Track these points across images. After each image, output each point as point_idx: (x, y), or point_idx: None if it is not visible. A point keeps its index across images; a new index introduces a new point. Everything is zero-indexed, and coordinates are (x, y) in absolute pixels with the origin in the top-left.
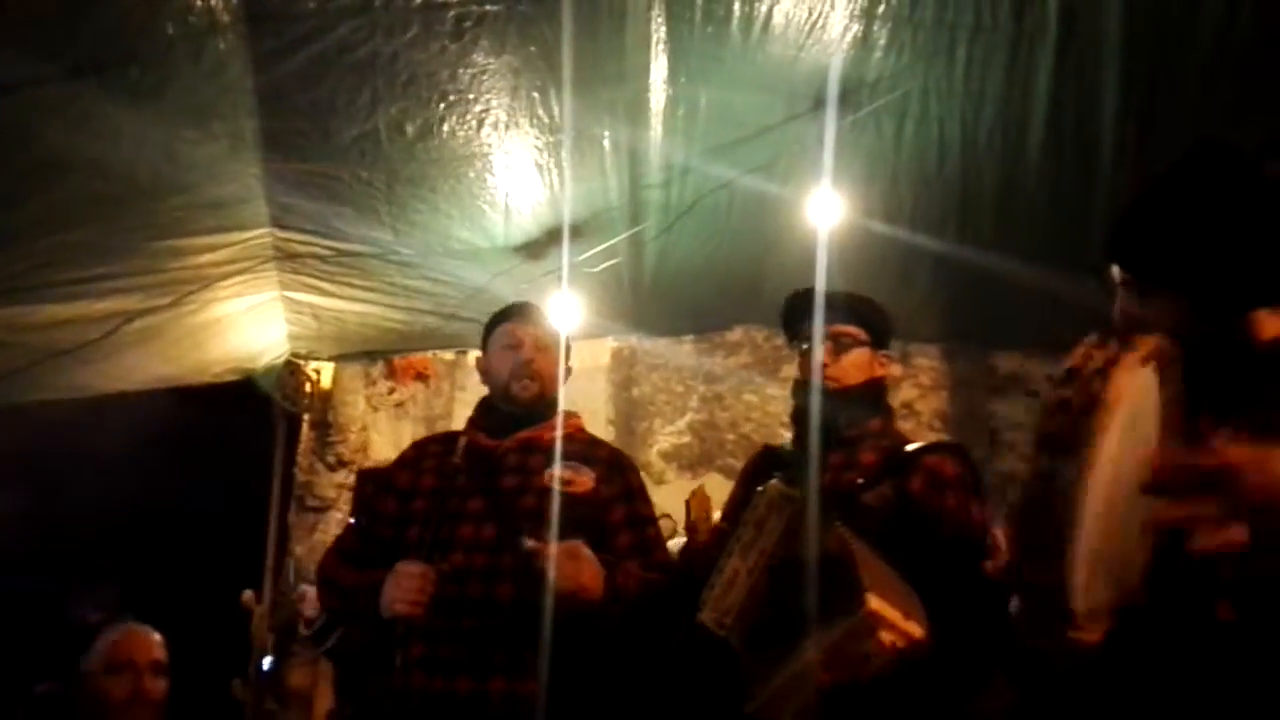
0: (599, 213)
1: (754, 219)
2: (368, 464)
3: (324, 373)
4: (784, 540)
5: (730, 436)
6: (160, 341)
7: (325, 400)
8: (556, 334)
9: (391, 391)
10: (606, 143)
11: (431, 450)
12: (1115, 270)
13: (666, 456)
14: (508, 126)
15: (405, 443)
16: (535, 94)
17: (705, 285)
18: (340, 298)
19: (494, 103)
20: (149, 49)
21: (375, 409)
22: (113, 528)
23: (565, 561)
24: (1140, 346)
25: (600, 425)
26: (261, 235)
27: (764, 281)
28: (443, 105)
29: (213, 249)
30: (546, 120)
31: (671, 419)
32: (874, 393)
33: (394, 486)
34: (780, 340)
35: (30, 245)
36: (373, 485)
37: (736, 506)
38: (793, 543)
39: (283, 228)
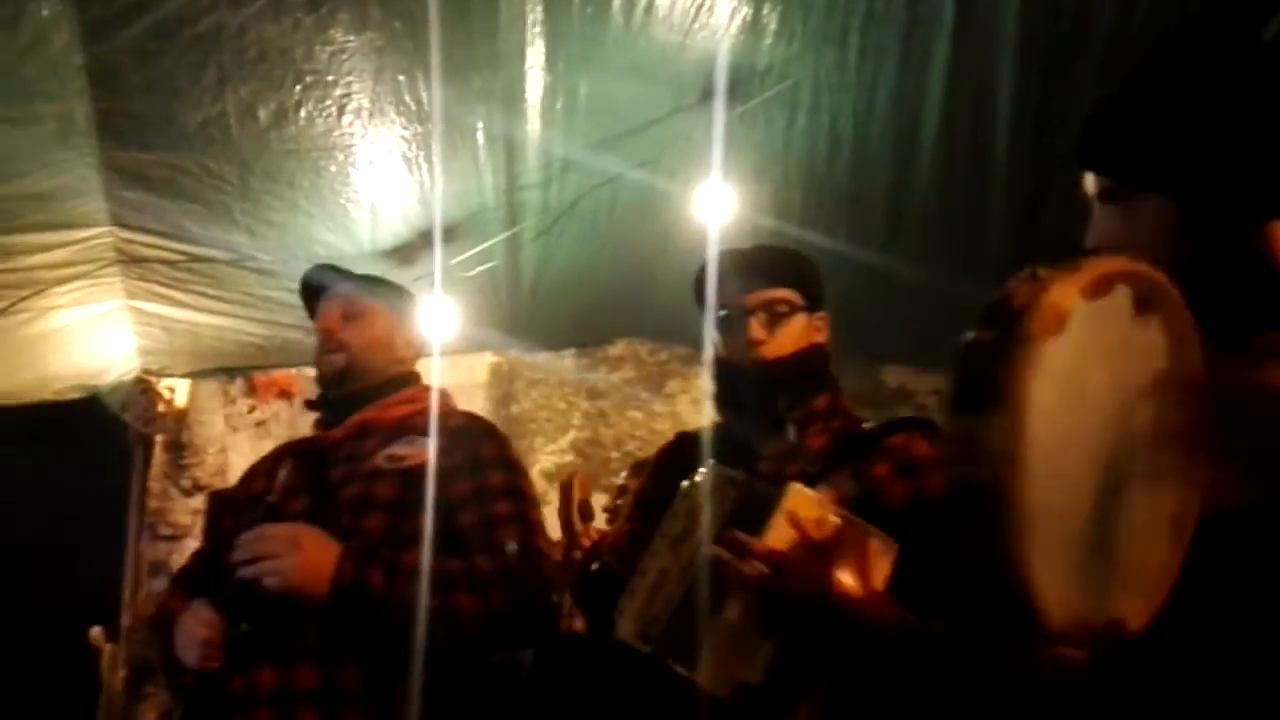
0: (473, 214)
1: (637, 220)
2: (225, 488)
3: (178, 390)
4: (727, 532)
5: (615, 454)
6: None
7: (180, 420)
8: (377, 298)
9: (252, 410)
10: (480, 135)
11: (288, 453)
12: (1089, 182)
13: (549, 476)
14: (371, 114)
15: None
16: (401, 77)
17: (587, 293)
18: (193, 309)
19: (356, 86)
20: None
21: (235, 429)
22: None
23: (271, 548)
24: (1091, 267)
25: None
26: (101, 235)
27: (648, 290)
28: (299, 87)
29: (46, 248)
30: (414, 108)
31: (553, 437)
32: (814, 364)
33: (239, 500)
34: (665, 355)
35: None
36: (219, 502)
37: (648, 501)
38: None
39: (125, 227)
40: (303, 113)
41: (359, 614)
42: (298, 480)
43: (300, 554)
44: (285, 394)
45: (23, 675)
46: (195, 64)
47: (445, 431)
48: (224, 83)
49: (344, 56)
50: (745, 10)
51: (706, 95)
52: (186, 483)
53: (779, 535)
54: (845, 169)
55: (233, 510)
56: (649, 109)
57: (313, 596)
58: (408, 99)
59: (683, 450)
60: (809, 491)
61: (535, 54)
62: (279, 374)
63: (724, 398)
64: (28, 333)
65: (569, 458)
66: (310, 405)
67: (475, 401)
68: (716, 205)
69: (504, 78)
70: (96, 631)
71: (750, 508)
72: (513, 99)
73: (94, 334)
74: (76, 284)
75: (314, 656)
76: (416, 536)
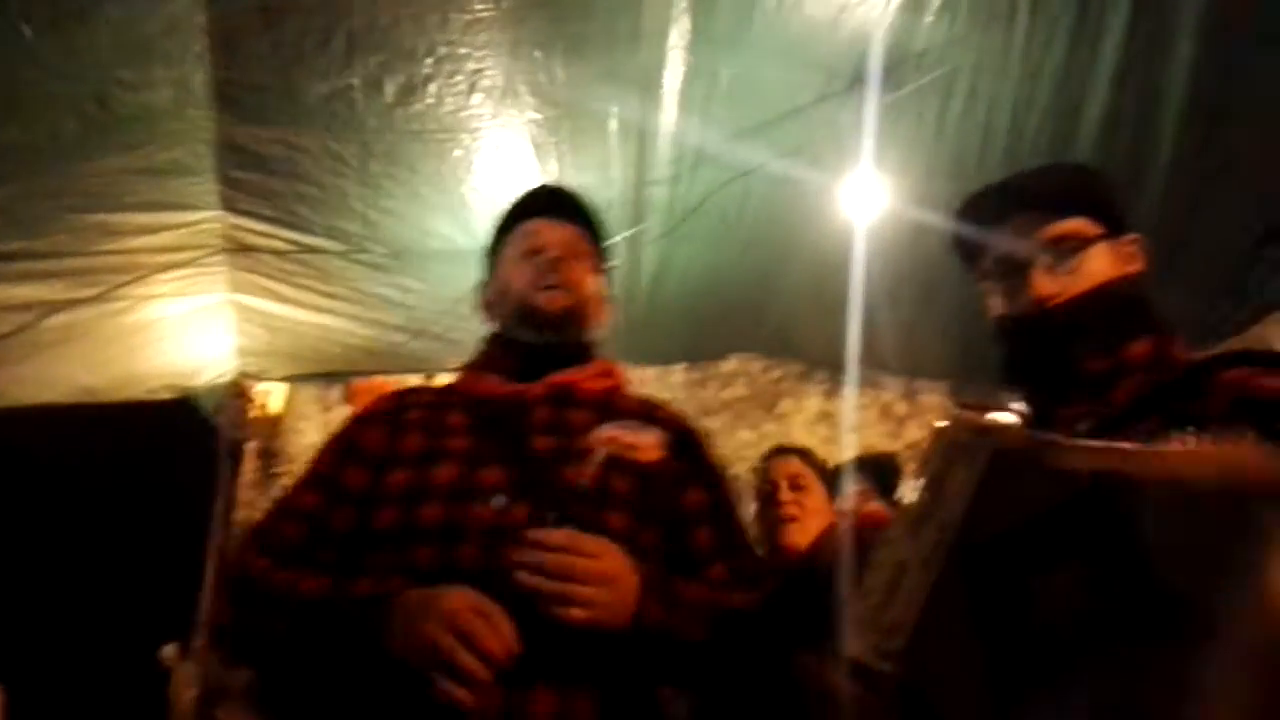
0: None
1: (766, 223)
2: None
3: (274, 395)
4: (981, 503)
5: None
6: (86, 344)
7: (274, 426)
8: (599, 243)
9: None
10: (613, 122)
11: (418, 400)
12: None
13: None
14: (504, 94)
15: None
16: (538, 53)
17: (705, 301)
18: (298, 304)
19: (490, 62)
20: None
21: None
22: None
23: (582, 573)
24: None
25: None
26: (210, 219)
27: (766, 302)
28: (430, 60)
29: (151, 230)
30: (549, 88)
31: None
32: (1121, 299)
33: (361, 450)
34: (779, 372)
35: None
36: (329, 453)
37: None
38: (1001, 505)
39: (235, 211)
40: (432, 88)
41: (649, 651)
42: (484, 441)
43: (614, 591)
44: None
45: (94, 693)
46: (323, 28)
47: (663, 423)
48: (352, 52)
49: (480, 27)
50: None
51: (856, 81)
52: (277, 492)
53: None
54: (996, 165)
55: (370, 465)
56: (793, 96)
57: (610, 632)
58: (542, 78)
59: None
60: None
61: (679, 32)
62: (377, 380)
63: (1013, 362)
64: (123, 322)
65: None
66: (501, 346)
67: None
68: (862, 199)
69: (644, 58)
70: (169, 650)
71: (1009, 467)
72: (650, 83)
73: (193, 329)
74: (179, 272)
75: (592, 682)
76: (656, 550)
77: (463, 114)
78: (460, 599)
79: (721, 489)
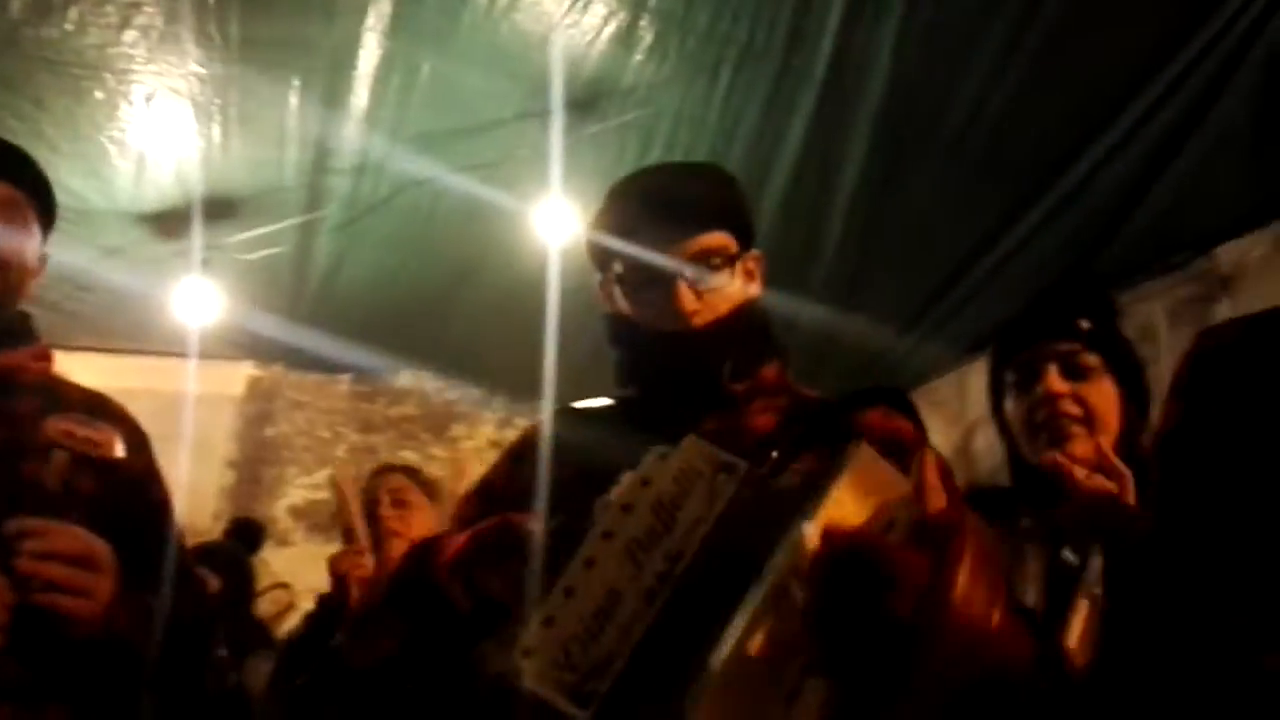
0: (266, 190)
1: (455, 234)
2: None
3: None
4: (718, 536)
5: None
6: None
7: None
8: (44, 213)
9: None
10: (293, 96)
11: None
12: None
13: (296, 513)
14: (164, 38)
15: None
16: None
17: (382, 306)
18: None
19: None
20: None
21: None
22: None
23: (76, 555)
24: None
25: (216, 466)
26: None
27: (449, 318)
28: None
29: None
30: (219, 41)
31: (310, 469)
32: (757, 321)
33: None
34: (455, 394)
35: None
36: None
37: (513, 498)
38: (735, 539)
39: None
40: (72, 13)
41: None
42: None
43: (105, 578)
44: None
45: None
46: None
47: (115, 417)
48: None
49: None
50: (622, 15)
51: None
52: None
53: (845, 507)
54: None
55: None
56: (495, 107)
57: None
58: (213, 30)
59: (579, 425)
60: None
61: (378, 13)
62: None
63: (640, 369)
64: None
65: (323, 495)
66: None
67: (222, 416)
68: (556, 225)
69: (337, 33)
70: None
71: (764, 505)
72: (341, 62)
73: None
74: None
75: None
76: (121, 552)
77: (110, 50)
78: None
79: (166, 492)
